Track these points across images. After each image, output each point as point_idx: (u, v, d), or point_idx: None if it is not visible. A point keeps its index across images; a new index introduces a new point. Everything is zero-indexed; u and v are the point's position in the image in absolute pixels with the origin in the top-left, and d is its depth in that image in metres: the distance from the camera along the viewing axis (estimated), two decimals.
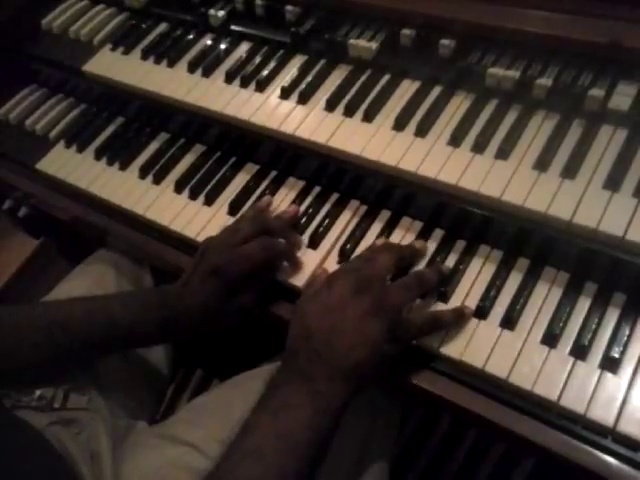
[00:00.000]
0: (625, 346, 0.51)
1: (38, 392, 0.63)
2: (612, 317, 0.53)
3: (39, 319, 0.63)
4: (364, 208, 0.68)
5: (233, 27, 0.82)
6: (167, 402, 0.81)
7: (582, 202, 0.55)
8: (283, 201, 0.71)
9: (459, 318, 0.55)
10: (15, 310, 0.65)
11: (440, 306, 0.58)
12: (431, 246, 0.63)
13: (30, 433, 0.57)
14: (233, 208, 0.72)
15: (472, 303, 0.57)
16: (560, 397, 0.50)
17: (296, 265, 0.64)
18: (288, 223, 0.66)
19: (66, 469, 0.56)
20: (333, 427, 0.50)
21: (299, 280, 0.63)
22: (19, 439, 0.55)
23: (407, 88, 0.69)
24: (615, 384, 0.50)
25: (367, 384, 0.52)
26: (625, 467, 0.47)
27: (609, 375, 0.50)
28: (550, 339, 0.53)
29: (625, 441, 0.48)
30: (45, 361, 0.62)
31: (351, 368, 0.50)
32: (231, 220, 0.70)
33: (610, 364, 0.51)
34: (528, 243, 0.59)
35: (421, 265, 0.61)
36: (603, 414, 0.48)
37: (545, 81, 0.61)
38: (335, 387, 0.50)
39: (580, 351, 0.52)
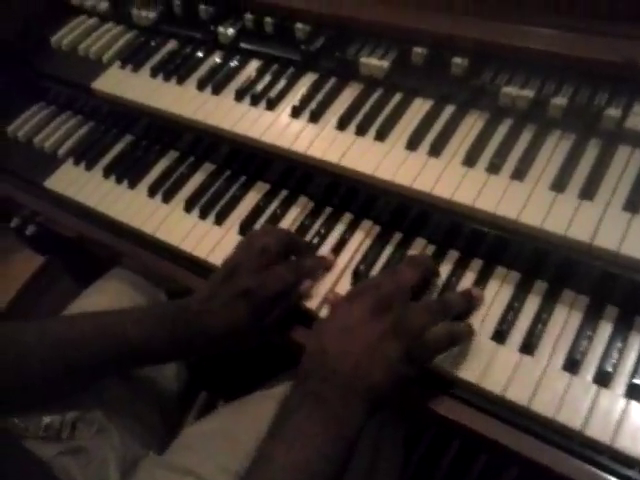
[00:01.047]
0: None
1: (45, 420, 0.61)
2: (635, 342, 0.52)
3: (49, 336, 0.61)
4: (377, 229, 0.67)
5: (243, 45, 0.82)
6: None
7: (602, 224, 0.54)
8: (294, 221, 0.70)
9: (471, 333, 0.54)
10: (24, 326, 0.64)
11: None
12: (446, 268, 0.62)
13: (36, 465, 0.56)
14: (244, 228, 0.71)
15: (490, 326, 0.56)
16: (584, 426, 0.49)
17: (310, 287, 0.63)
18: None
19: None
20: (348, 456, 0.48)
21: (312, 302, 0.62)
22: (25, 472, 0.54)
23: (419, 107, 0.69)
24: None
25: (382, 406, 0.51)
26: None
27: (634, 403, 0.49)
28: (571, 365, 0.52)
29: None
30: (53, 379, 0.61)
31: (366, 390, 0.49)
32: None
33: (635, 392, 0.49)
34: (546, 265, 0.58)
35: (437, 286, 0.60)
36: (630, 444, 0.47)
37: (560, 100, 0.60)
38: (350, 410, 0.48)
39: (603, 378, 0.51)
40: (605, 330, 0.53)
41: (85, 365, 0.62)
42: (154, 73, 0.84)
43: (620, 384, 0.50)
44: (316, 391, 0.49)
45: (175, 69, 0.83)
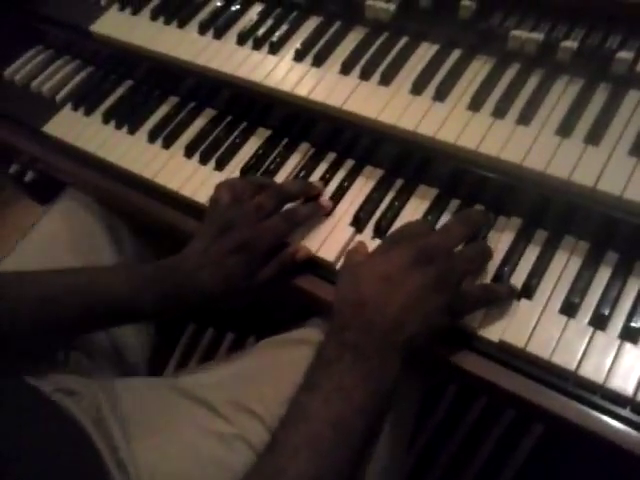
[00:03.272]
0: None
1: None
2: (633, 287, 0.52)
3: (30, 292, 0.59)
4: (379, 174, 0.66)
5: None
6: (178, 358, 0.80)
7: (606, 169, 0.53)
8: (296, 167, 0.70)
9: (511, 295, 0.54)
10: (6, 279, 0.61)
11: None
12: (448, 215, 0.61)
13: (41, 398, 0.56)
14: (244, 174, 0.70)
15: (490, 272, 0.56)
16: (578, 367, 0.49)
17: (309, 234, 0.62)
18: (310, 192, 0.64)
19: (79, 433, 0.55)
20: (386, 407, 0.48)
21: (312, 247, 0.62)
22: (31, 404, 0.55)
23: (426, 51, 0.67)
24: (636, 354, 0.49)
25: (416, 357, 0.50)
26: None
27: (629, 345, 0.49)
28: (569, 308, 0.52)
29: None
30: (38, 335, 0.60)
31: (404, 342, 0.48)
32: None
33: (631, 334, 0.50)
34: (548, 211, 0.57)
35: None
36: (622, 384, 0.48)
37: (570, 43, 0.59)
38: (389, 364, 0.47)
39: (600, 321, 0.51)
40: (604, 275, 0.53)
41: (70, 323, 0.60)
42: (154, 16, 0.82)
43: (616, 327, 0.51)
44: (356, 343, 0.47)
45: (176, 12, 0.81)
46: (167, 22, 0.81)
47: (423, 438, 0.93)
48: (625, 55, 0.56)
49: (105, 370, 0.68)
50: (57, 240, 0.78)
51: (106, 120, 0.81)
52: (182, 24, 0.79)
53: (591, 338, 0.50)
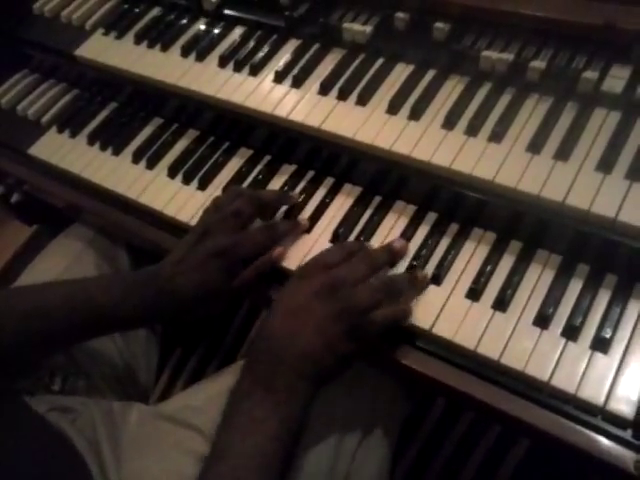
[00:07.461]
0: (616, 326, 0.52)
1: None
2: (603, 298, 0.54)
3: (17, 306, 0.60)
4: (358, 192, 0.67)
5: (227, 11, 0.82)
6: (165, 382, 0.81)
7: (575, 184, 0.55)
8: (277, 186, 0.71)
9: (410, 313, 0.55)
10: None
11: (432, 288, 0.58)
12: (424, 229, 0.63)
13: (35, 418, 0.57)
14: None
15: (464, 285, 0.58)
16: (551, 377, 0.50)
17: (283, 253, 0.63)
18: (286, 201, 0.66)
19: (72, 453, 0.56)
20: (299, 430, 0.50)
21: (290, 263, 0.63)
22: (25, 423, 0.55)
23: (401, 72, 0.69)
24: (606, 364, 0.50)
25: (328, 382, 0.52)
26: (613, 445, 0.47)
27: (600, 355, 0.51)
28: (542, 320, 0.54)
29: (614, 419, 0.48)
30: (25, 348, 0.60)
31: (309, 371, 0.50)
32: None
33: (601, 344, 0.51)
34: (521, 225, 0.59)
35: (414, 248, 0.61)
36: (593, 393, 0.49)
37: (539, 64, 0.61)
38: (296, 393, 0.50)
39: (572, 332, 0.52)
40: (575, 287, 0.55)
41: (55, 334, 0.60)
42: (138, 40, 0.84)
43: (587, 338, 0.52)
44: (265, 378, 0.50)
45: (159, 36, 0.83)
46: (150, 46, 0.82)
47: (408, 459, 0.93)
48: (590, 75, 0.58)
49: (115, 391, 0.68)
50: (56, 272, 0.78)
51: (91, 142, 0.83)
52: (165, 48, 0.81)
53: (563, 349, 0.52)
